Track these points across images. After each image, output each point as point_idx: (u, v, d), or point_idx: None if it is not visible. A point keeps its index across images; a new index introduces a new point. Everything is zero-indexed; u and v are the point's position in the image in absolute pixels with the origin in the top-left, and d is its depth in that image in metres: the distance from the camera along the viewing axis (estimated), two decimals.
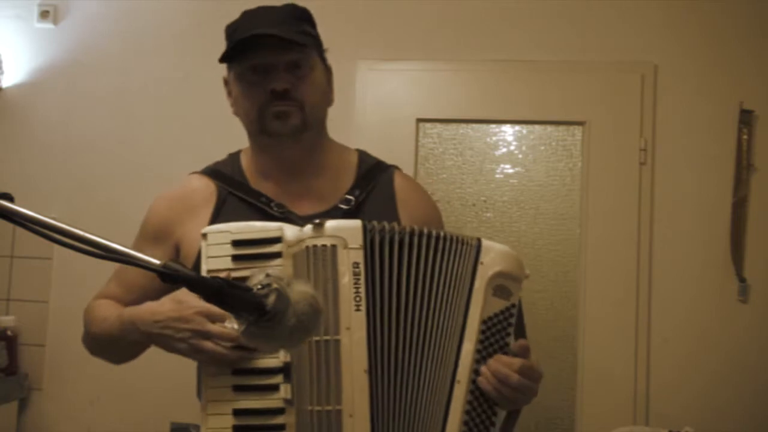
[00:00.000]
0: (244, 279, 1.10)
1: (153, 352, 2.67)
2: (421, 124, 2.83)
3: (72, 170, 2.98)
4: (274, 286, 0.86)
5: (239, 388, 1.12)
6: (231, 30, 1.38)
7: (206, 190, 1.38)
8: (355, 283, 1.11)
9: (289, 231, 1.15)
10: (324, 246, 1.12)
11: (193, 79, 2.95)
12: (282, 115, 1.30)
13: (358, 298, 1.10)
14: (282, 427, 1.10)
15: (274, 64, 1.31)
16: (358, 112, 2.75)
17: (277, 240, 1.15)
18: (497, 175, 2.84)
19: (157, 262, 0.82)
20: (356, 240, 1.12)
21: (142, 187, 2.96)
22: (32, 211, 0.80)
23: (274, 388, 1.10)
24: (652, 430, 2.49)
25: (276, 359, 1.11)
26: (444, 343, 1.15)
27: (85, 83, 3.01)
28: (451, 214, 2.78)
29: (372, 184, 1.39)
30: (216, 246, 1.16)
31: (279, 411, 1.10)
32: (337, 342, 1.09)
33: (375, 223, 1.15)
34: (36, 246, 2.74)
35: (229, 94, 1.42)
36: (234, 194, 1.36)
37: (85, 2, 3.03)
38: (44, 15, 3.02)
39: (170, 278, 0.81)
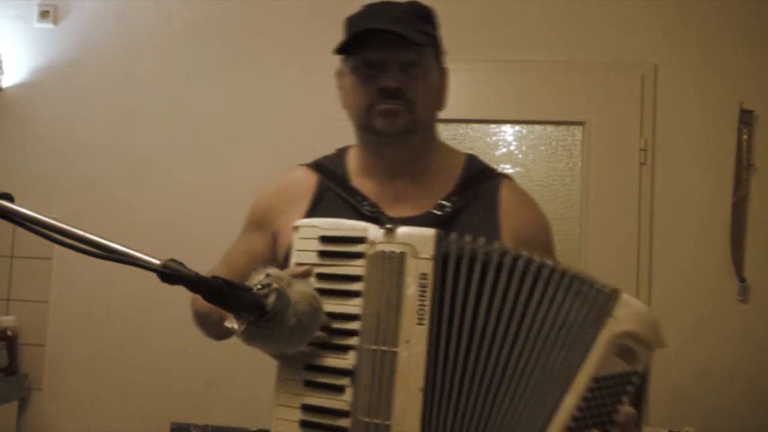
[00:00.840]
0: (328, 276, 1.11)
1: (152, 353, 2.66)
2: None
3: (72, 170, 2.98)
4: (274, 286, 0.86)
5: (310, 384, 1.10)
6: (350, 22, 1.33)
7: (307, 182, 1.37)
8: (421, 296, 1.04)
9: (373, 232, 1.12)
10: (392, 252, 1.07)
11: (192, 79, 2.96)
12: (389, 114, 1.27)
13: (422, 312, 1.04)
14: (344, 430, 1.07)
15: (389, 61, 1.27)
16: None
17: (361, 240, 1.12)
18: None
19: (156, 261, 0.82)
20: (427, 250, 1.06)
21: (142, 187, 2.97)
22: (32, 211, 0.80)
23: (341, 389, 1.08)
24: (652, 430, 2.49)
25: (346, 360, 1.08)
26: (535, 387, 1.03)
27: (85, 83, 3.01)
28: None
29: (473, 192, 1.32)
30: (305, 240, 1.16)
31: (344, 413, 1.08)
32: (394, 354, 1.04)
33: (454, 234, 1.07)
34: (36, 246, 2.74)
35: (341, 87, 1.38)
36: (332, 189, 1.34)
37: (85, 2, 3.03)
38: (44, 15, 3.03)
39: (169, 278, 0.81)
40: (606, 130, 2.73)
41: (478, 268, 1.06)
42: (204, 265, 1.22)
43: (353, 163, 1.38)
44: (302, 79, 2.87)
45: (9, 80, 3.04)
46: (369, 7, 1.32)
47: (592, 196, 2.73)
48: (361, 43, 1.26)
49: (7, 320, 2.87)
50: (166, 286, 0.85)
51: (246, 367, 2.61)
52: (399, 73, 1.27)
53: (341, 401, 1.08)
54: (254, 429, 2.72)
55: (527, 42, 2.81)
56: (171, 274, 0.81)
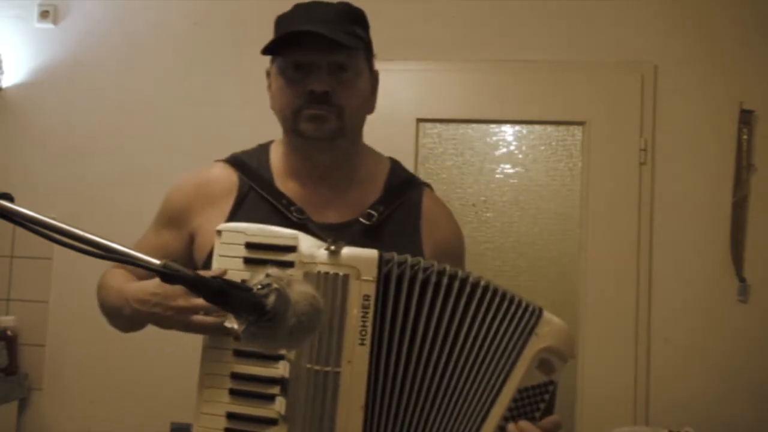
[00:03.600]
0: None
1: (151, 353, 2.67)
2: (421, 124, 2.83)
3: (72, 170, 2.98)
4: (274, 286, 0.86)
5: (235, 393, 1.11)
6: (280, 22, 1.31)
7: (228, 180, 1.33)
8: (363, 317, 1.07)
9: (304, 242, 1.11)
10: (336, 274, 1.08)
11: (192, 79, 2.96)
12: (317, 119, 1.25)
13: (363, 332, 1.06)
14: None
15: (318, 63, 1.24)
16: None
17: (291, 249, 1.11)
18: (497, 175, 2.84)
19: (157, 262, 0.82)
20: (370, 271, 1.08)
21: (142, 187, 2.96)
22: (32, 211, 0.80)
23: (270, 398, 1.09)
24: (652, 430, 2.49)
25: (276, 369, 1.09)
26: (467, 400, 1.10)
27: (85, 83, 3.01)
28: None
29: (398, 201, 1.33)
30: (229, 245, 1.14)
31: (272, 422, 1.09)
32: (337, 374, 1.06)
33: (395, 255, 1.10)
34: (36, 246, 2.74)
35: (269, 87, 1.35)
36: (256, 190, 1.31)
37: (85, 2, 3.03)
38: (44, 15, 3.02)
39: (169, 278, 0.81)
40: (606, 130, 2.73)
41: (417, 289, 1.09)
42: None
43: (277, 162, 1.35)
44: None
45: (9, 80, 3.04)
46: (298, 7, 1.30)
47: (592, 196, 2.73)
48: (289, 43, 1.24)
49: (7, 320, 2.87)
50: None
51: None
52: (327, 76, 1.24)
53: (270, 410, 1.08)
54: None
55: (527, 42, 2.81)
56: (171, 274, 0.81)
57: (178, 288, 1.10)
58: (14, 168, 3.00)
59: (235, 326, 0.86)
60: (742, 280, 2.62)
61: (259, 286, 0.86)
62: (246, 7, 2.96)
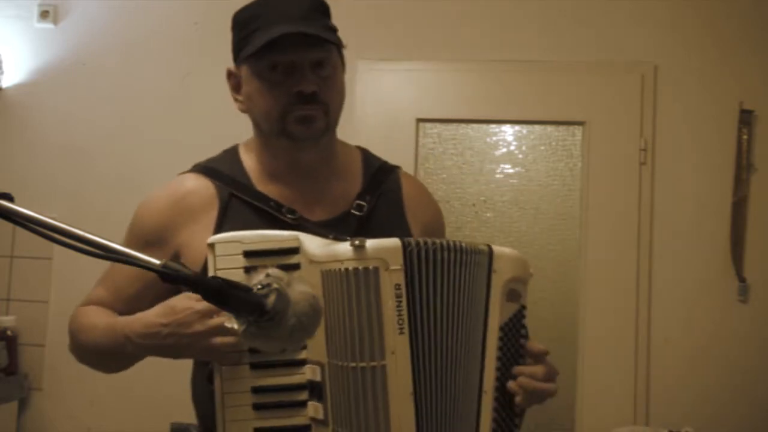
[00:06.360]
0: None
1: None
2: (421, 124, 2.83)
3: (72, 170, 2.98)
4: (274, 286, 0.85)
5: (260, 407, 1.09)
6: (246, 19, 1.23)
7: (205, 191, 1.26)
8: (398, 306, 1.08)
9: (308, 241, 1.10)
10: (366, 269, 1.07)
11: (192, 79, 2.96)
12: (307, 119, 1.21)
13: (401, 321, 1.08)
14: None
15: (299, 62, 1.19)
16: (358, 112, 2.74)
17: (294, 251, 1.09)
18: (497, 175, 2.84)
19: (157, 262, 0.81)
20: (397, 260, 1.08)
21: (142, 188, 2.95)
22: (32, 211, 0.80)
23: (301, 404, 1.08)
24: (652, 430, 2.49)
25: (301, 375, 1.09)
26: (471, 356, 1.15)
27: (85, 83, 3.01)
28: (451, 214, 2.78)
29: (381, 189, 1.33)
30: (225, 257, 1.10)
31: (305, 429, 1.08)
32: (384, 367, 1.07)
33: (412, 240, 1.11)
34: (36, 246, 2.74)
35: (235, 89, 1.29)
36: (237, 197, 1.25)
37: (85, 2, 3.03)
38: (44, 15, 3.02)
39: (170, 278, 0.81)
40: (606, 130, 2.73)
41: (431, 268, 1.12)
42: None
43: (252, 165, 1.30)
44: None
45: (9, 80, 3.04)
46: (265, 5, 1.23)
47: (592, 196, 2.72)
48: (268, 45, 1.18)
49: (7, 320, 2.87)
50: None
51: None
52: (311, 75, 1.21)
53: (302, 417, 1.08)
54: None
55: (527, 42, 2.81)
56: (171, 274, 0.81)
57: (189, 313, 1.09)
58: (14, 168, 2.99)
59: (235, 326, 0.86)
60: (742, 280, 2.62)
61: (259, 286, 0.86)
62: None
